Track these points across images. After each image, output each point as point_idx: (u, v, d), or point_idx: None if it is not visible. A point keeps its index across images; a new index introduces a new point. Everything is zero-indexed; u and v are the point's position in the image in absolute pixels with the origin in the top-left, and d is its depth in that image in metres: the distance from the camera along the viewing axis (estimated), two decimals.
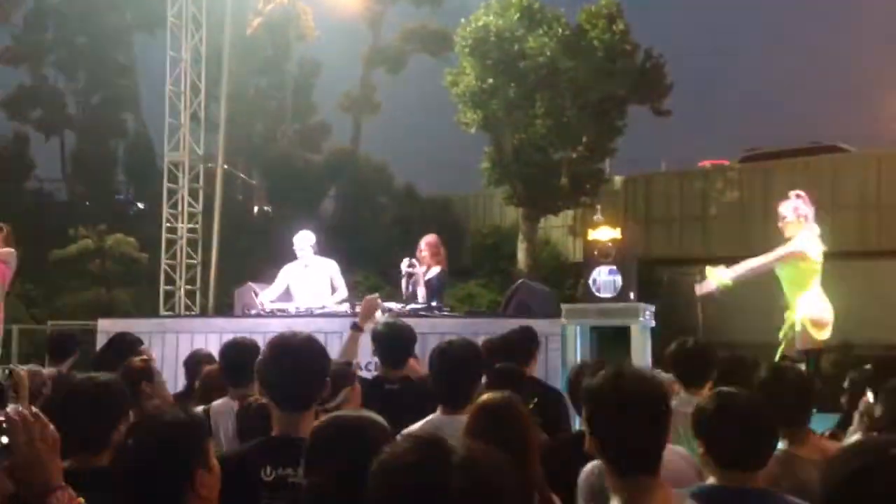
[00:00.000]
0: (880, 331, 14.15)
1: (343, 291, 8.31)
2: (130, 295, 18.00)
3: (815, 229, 6.60)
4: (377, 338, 4.66)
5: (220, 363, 4.47)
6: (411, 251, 8.14)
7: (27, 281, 16.18)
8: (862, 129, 29.46)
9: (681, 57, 20.00)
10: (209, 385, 4.54)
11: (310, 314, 7.77)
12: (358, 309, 5.83)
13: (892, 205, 17.16)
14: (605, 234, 7.25)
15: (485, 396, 3.06)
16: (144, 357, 4.38)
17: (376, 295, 5.97)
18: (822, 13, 41.28)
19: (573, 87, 16.93)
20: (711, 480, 2.62)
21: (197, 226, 14.71)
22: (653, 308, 7.21)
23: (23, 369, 3.55)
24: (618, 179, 20.14)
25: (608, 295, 7.09)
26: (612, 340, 6.91)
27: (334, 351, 4.55)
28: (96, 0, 23.25)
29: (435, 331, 6.64)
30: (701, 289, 6.94)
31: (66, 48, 25.48)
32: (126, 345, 4.97)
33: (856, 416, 3.89)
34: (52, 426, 1.94)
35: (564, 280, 17.69)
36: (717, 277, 6.69)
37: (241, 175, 21.95)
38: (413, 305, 7.58)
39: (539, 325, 6.71)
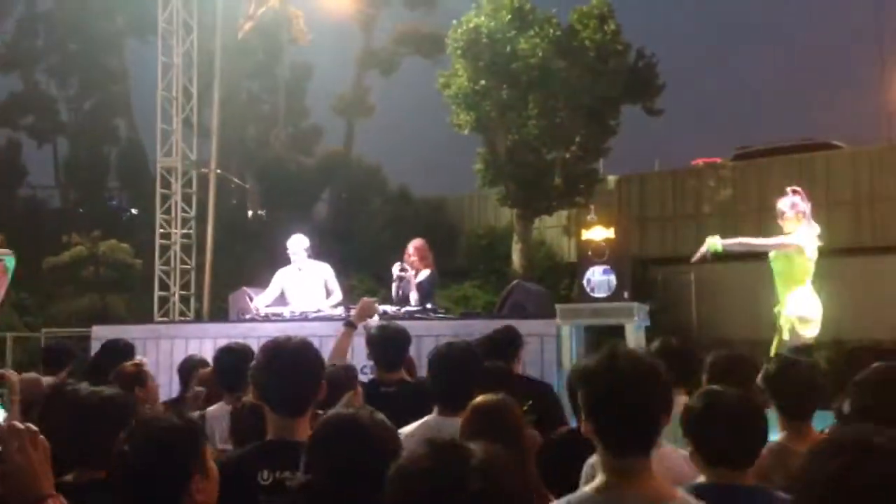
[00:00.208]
0: (874, 327, 14.18)
1: (338, 295, 8.31)
2: (125, 301, 17.97)
3: (815, 228, 6.63)
4: (372, 341, 4.67)
5: (214, 368, 4.47)
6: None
7: (21, 289, 16.14)
8: (854, 126, 29.53)
9: (672, 56, 20.05)
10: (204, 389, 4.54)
11: (304, 318, 7.77)
12: (353, 311, 5.83)
13: (885, 201, 17.21)
14: (598, 233, 7.27)
15: (478, 398, 3.06)
16: (137, 362, 4.39)
17: (376, 299, 6.01)
18: (813, 10, 41.41)
19: (565, 88, 16.94)
20: (702, 479, 2.62)
21: (191, 231, 14.69)
22: (647, 307, 7.23)
23: (11, 373, 3.56)
24: (611, 179, 20.16)
25: (602, 294, 7.11)
26: (606, 340, 6.92)
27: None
28: (88, 6, 23.22)
29: (430, 333, 6.65)
30: (695, 255, 7.00)
31: (57, 54, 25.46)
32: (118, 351, 4.98)
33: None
34: (41, 436, 1.93)
35: (559, 280, 17.70)
36: (710, 243, 6.75)
37: (235, 179, 21.95)
38: (408, 308, 7.61)
39: (534, 325, 6.73)
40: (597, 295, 7.13)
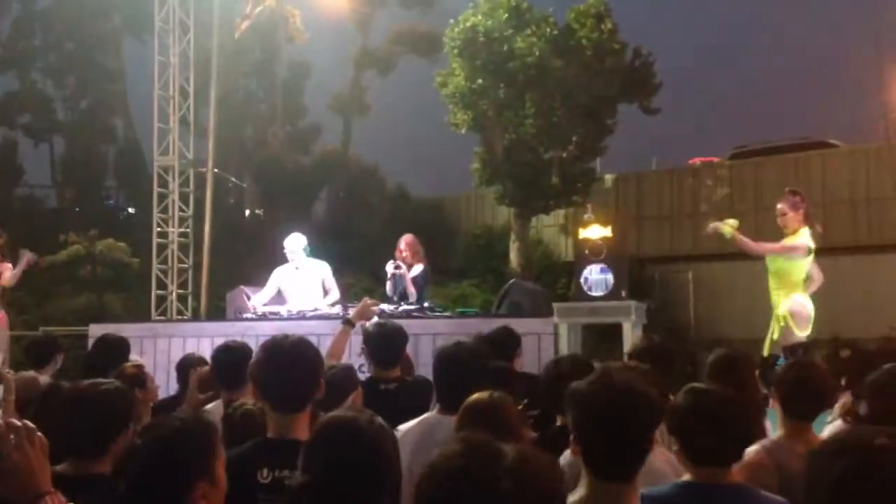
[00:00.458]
0: (871, 326, 14.19)
1: (335, 293, 8.31)
2: (122, 300, 17.93)
3: (816, 228, 6.67)
4: (369, 339, 4.67)
5: (212, 367, 4.47)
6: None
7: (18, 288, 16.11)
8: (851, 124, 29.58)
9: (669, 55, 20.05)
10: (202, 387, 4.55)
11: (302, 317, 7.77)
12: (352, 310, 5.84)
13: (882, 200, 17.23)
14: (596, 232, 7.28)
15: (472, 397, 3.08)
16: (137, 363, 4.40)
17: (376, 301, 6.02)
18: (810, 10, 41.42)
19: (562, 87, 16.94)
20: (687, 477, 2.63)
21: (188, 230, 14.67)
22: (644, 306, 7.23)
23: (10, 372, 3.55)
24: (608, 178, 20.15)
25: (600, 293, 7.13)
26: (603, 338, 6.94)
27: None
28: (84, 5, 23.17)
29: (427, 331, 6.65)
30: (709, 227, 7.09)
31: (54, 53, 25.41)
32: (112, 346, 4.98)
33: (836, 408, 3.92)
34: (39, 432, 1.93)
35: (557, 279, 17.69)
36: (728, 224, 6.79)
37: (232, 178, 21.92)
38: (406, 307, 7.62)
39: (531, 324, 6.73)
40: (594, 293, 7.14)
